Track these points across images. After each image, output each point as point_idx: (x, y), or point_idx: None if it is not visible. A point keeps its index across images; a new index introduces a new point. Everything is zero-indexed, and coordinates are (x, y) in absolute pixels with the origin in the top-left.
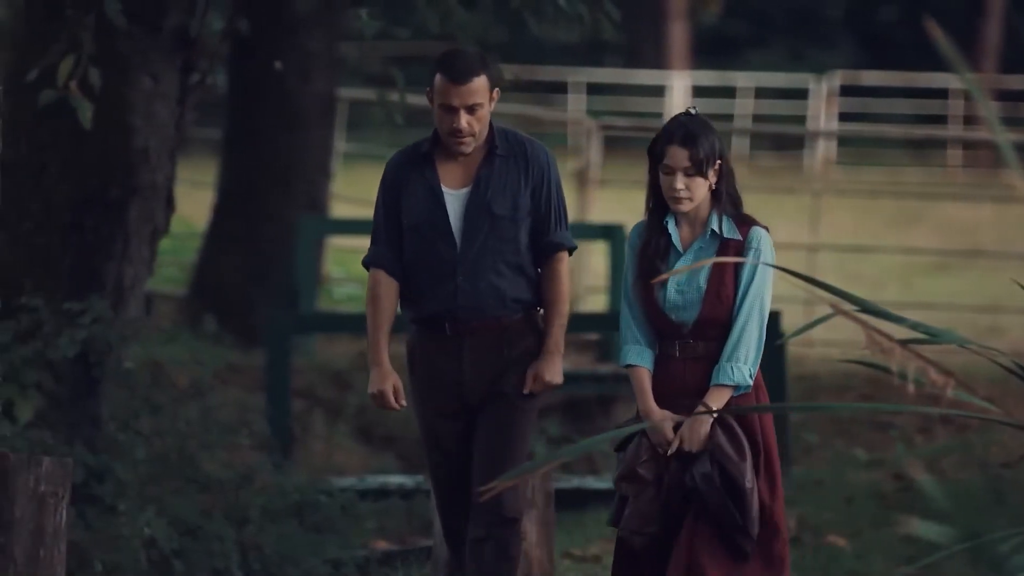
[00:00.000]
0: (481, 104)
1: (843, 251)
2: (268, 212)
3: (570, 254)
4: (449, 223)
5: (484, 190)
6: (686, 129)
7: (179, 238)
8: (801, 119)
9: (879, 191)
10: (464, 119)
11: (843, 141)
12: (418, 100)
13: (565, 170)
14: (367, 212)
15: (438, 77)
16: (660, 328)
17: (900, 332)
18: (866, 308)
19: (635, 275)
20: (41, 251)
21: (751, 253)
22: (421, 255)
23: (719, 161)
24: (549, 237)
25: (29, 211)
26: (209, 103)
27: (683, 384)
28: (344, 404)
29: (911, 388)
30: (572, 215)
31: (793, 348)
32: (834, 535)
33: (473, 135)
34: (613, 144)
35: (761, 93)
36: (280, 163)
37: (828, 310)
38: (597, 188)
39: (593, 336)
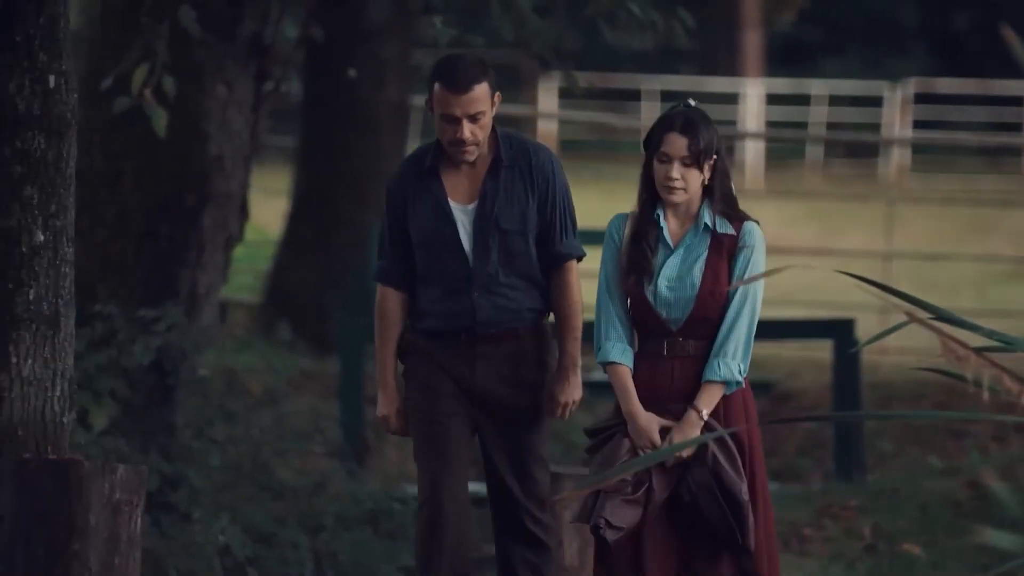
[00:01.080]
0: (483, 112)
1: (918, 259)
2: (342, 219)
3: (578, 261)
4: (460, 239)
5: (491, 205)
6: (686, 118)
7: (253, 246)
8: (875, 127)
9: (954, 199)
10: (467, 129)
11: (917, 149)
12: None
13: (638, 178)
14: None
15: (437, 86)
16: (647, 325)
17: (975, 340)
18: (941, 316)
19: (624, 268)
20: (116, 259)
21: (744, 248)
22: (433, 271)
23: (715, 157)
24: (556, 247)
25: (104, 219)
26: (283, 111)
27: (671, 384)
28: None
29: (986, 396)
30: None
31: (868, 356)
32: (909, 543)
33: (477, 144)
34: None
35: (835, 100)
36: (354, 170)
37: (903, 318)
38: None
39: None
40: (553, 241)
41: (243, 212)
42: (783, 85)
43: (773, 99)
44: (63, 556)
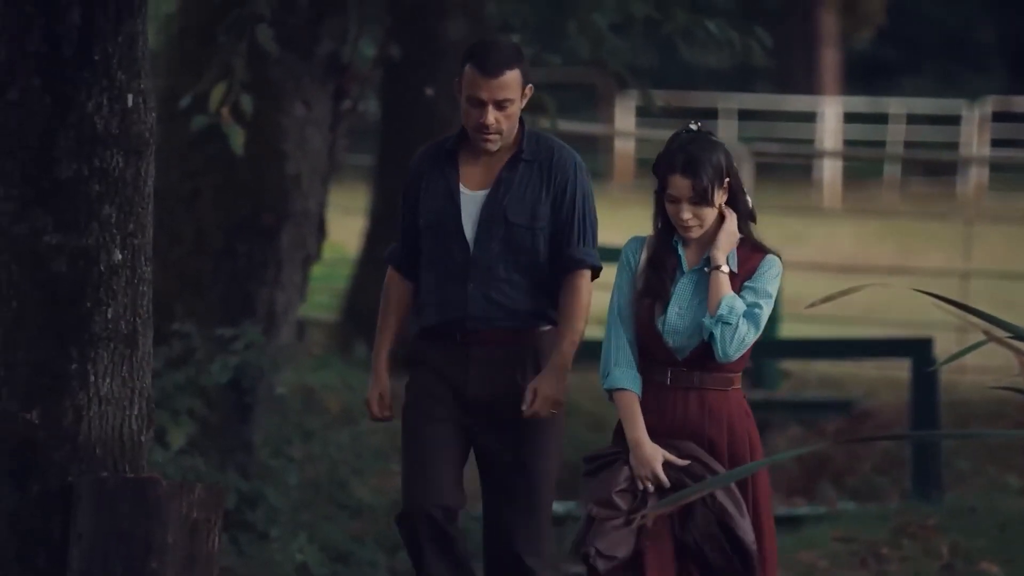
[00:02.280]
0: (512, 100)
1: (996, 277)
2: None
3: (595, 275)
4: (461, 224)
5: (502, 195)
6: (687, 155)
7: (331, 264)
8: (953, 145)
9: None
10: (492, 115)
11: (995, 167)
12: (570, 127)
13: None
14: None
15: (468, 68)
16: (652, 352)
17: None
18: (1019, 335)
19: (639, 292)
20: (193, 277)
21: (755, 274)
22: (435, 256)
23: (727, 179)
24: (570, 251)
25: (181, 237)
26: (360, 129)
27: (674, 418)
28: None
29: None
30: None
31: (945, 375)
32: (987, 562)
33: (500, 133)
34: (764, 170)
35: (913, 119)
36: None
37: (980, 337)
38: None
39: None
40: (567, 244)
41: (321, 231)
42: (861, 104)
43: (851, 117)
44: (140, 575)
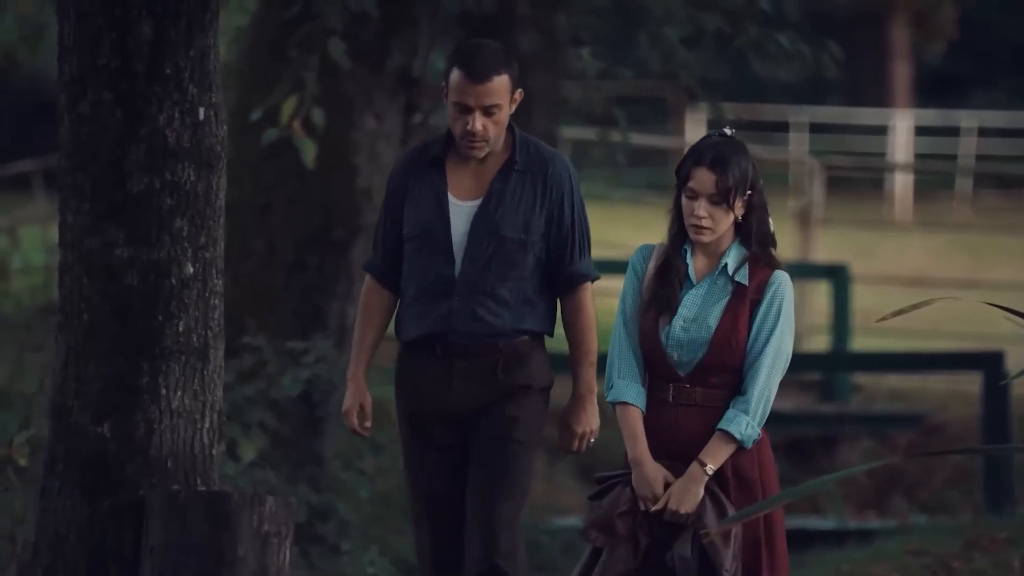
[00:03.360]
0: (500, 106)
1: None
2: None
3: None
4: (450, 237)
5: (494, 207)
6: (717, 151)
7: None
8: None
9: None
10: (479, 121)
11: None
12: (640, 140)
13: (787, 209)
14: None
15: (454, 72)
16: (654, 366)
17: None
18: None
19: (646, 302)
20: (265, 290)
21: (768, 299)
22: (417, 269)
23: (749, 192)
24: (572, 267)
25: (253, 250)
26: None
27: (675, 435)
28: None
29: None
30: (795, 254)
31: (1017, 388)
32: None
33: (488, 140)
34: (836, 183)
35: (984, 132)
36: None
37: None
38: (820, 228)
39: (815, 376)
40: (568, 260)
41: None
42: (932, 117)
43: (922, 131)
44: None
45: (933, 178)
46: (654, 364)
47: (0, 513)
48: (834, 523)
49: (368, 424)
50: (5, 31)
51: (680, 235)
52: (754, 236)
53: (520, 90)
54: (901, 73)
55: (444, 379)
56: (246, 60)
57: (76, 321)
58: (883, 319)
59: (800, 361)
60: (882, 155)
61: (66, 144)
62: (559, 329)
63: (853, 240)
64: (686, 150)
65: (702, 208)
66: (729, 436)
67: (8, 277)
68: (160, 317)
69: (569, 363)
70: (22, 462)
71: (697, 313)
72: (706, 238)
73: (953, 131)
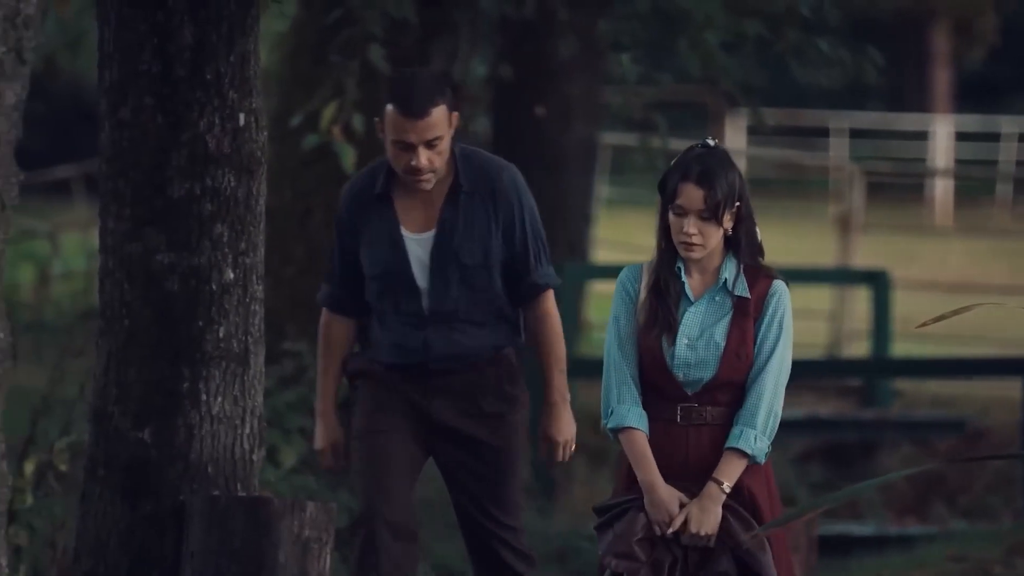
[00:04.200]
0: (441, 137)
1: None
2: None
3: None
4: (412, 273)
5: (449, 236)
6: (703, 165)
7: None
8: None
9: None
10: (424, 156)
11: None
12: (680, 145)
13: (827, 215)
14: (631, 257)
15: (390, 109)
16: (659, 387)
17: None
18: None
19: (644, 323)
20: (305, 296)
21: (770, 310)
22: (386, 305)
23: (738, 203)
24: (531, 278)
25: (293, 256)
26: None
27: (685, 457)
28: (606, 449)
29: None
30: (835, 260)
31: None
32: None
33: (434, 171)
34: (876, 189)
35: None
36: (541, 208)
37: None
38: (860, 233)
39: (855, 382)
40: (526, 271)
41: None
42: (973, 122)
43: (962, 136)
44: None
45: (973, 184)
46: (659, 385)
47: (41, 518)
48: (875, 529)
49: (344, 463)
50: (46, 37)
51: (670, 251)
52: (745, 247)
53: (456, 113)
54: (942, 79)
55: (423, 395)
56: (286, 66)
57: (117, 326)
58: (924, 325)
59: (841, 367)
60: (922, 161)
61: (107, 150)
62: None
63: (893, 246)
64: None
65: (691, 225)
66: (741, 453)
67: (49, 282)
68: (201, 323)
69: (540, 371)
70: (63, 467)
71: (701, 331)
72: (697, 255)
73: (994, 137)
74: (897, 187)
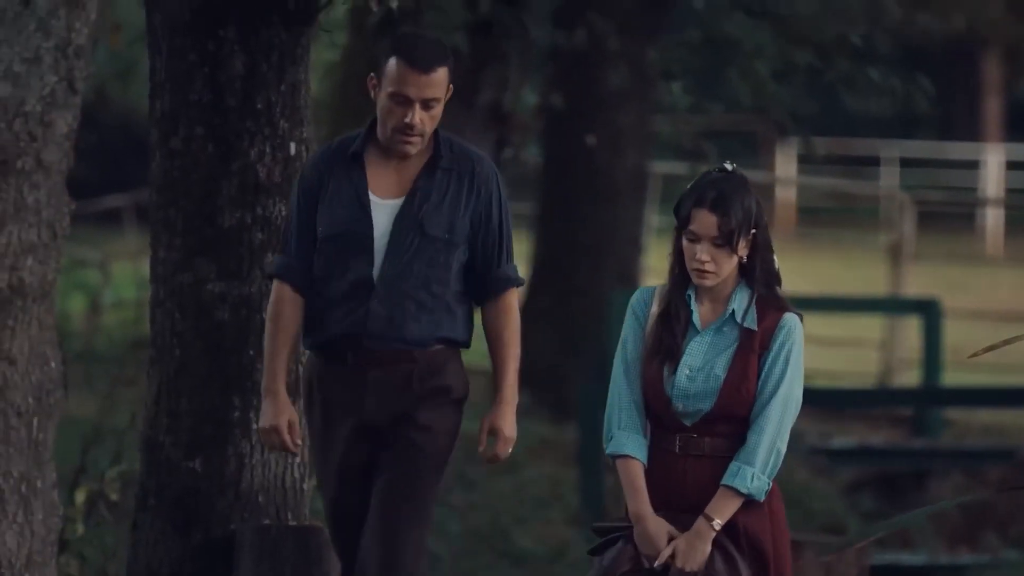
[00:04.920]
0: (438, 100)
1: None
2: (580, 286)
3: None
4: (372, 236)
5: (419, 204)
6: (718, 190)
7: None
8: None
9: None
10: (419, 114)
11: None
12: None
13: (877, 244)
14: None
15: (394, 62)
16: (659, 416)
17: None
18: None
19: (650, 350)
20: None
21: (776, 344)
22: (333, 270)
23: (754, 231)
24: (499, 271)
25: None
26: (522, 177)
27: (683, 488)
28: None
29: None
30: (885, 289)
31: None
32: None
33: (423, 135)
34: (926, 218)
35: None
36: (592, 237)
37: None
38: (911, 262)
39: (906, 411)
40: (495, 263)
41: None
42: None
43: (1014, 165)
44: None
45: None
46: (659, 414)
47: (92, 548)
48: (925, 558)
49: (299, 441)
50: (97, 66)
51: (682, 278)
52: (760, 277)
53: (451, 85)
54: (993, 107)
55: (357, 390)
56: (337, 95)
57: (168, 356)
58: (975, 354)
59: (891, 396)
60: (973, 190)
61: (157, 179)
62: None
63: (944, 275)
64: (777, 185)
65: (704, 252)
66: (735, 491)
67: (100, 312)
68: (251, 352)
69: (493, 368)
70: (114, 497)
71: (704, 362)
72: (709, 282)
73: None
74: (948, 216)
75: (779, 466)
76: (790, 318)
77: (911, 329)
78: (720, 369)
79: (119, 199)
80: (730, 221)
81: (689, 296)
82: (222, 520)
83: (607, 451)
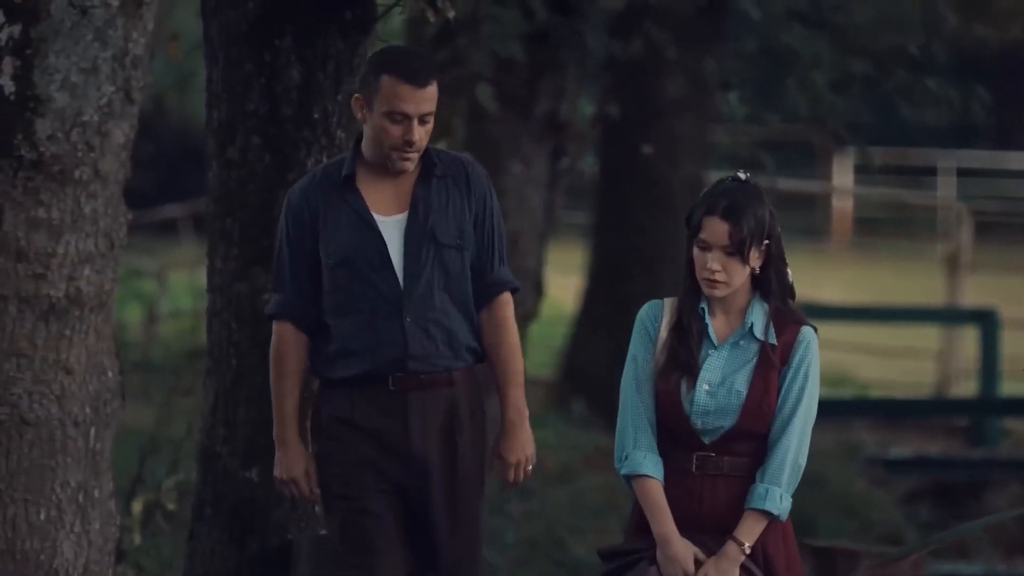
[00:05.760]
0: (432, 114)
1: None
2: (636, 296)
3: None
4: (388, 252)
5: (424, 215)
6: (730, 199)
7: (548, 322)
8: None
9: None
10: (417, 131)
11: None
12: (788, 185)
13: (934, 254)
14: None
15: (387, 80)
16: (675, 434)
17: None
18: None
19: (663, 365)
20: None
21: (796, 359)
22: (354, 297)
23: (767, 241)
24: (494, 274)
25: None
26: (578, 187)
27: (700, 508)
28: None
29: None
30: (943, 299)
31: None
32: None
33: (420, 151)
34: (984, 229)
35: None
36: (648, 247)
37: None
38: (968, 272)
39: (963, 421)
40: (490, 267)
41: (538, 289)
42: None
43: None
44: None
45: None
46: (675, 432)
47: (149, 558)
48: (983, 569)
49: (316, 489)
50: (154, 77)
51: (694, 290)
52: (774, 290)
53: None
54: None
55: (399, 418)
56: None
57: (224, 366)
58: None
59: (949, 406)
60: None
61: (214, 189)
62: None
63: (1002, 285)
64: (834, 195)
65: (715, 261)
66: (765, 513)
67: (156, 322)
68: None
69: (495, 383)
70: (170, 507)
71: (723, 377)
72: (720, 292)
73: None
74: (1005, 226)
75: (798, 481)
76: (807, 332)
77: (968, 339)
78: (741, 385)
79: (176, 209)
80: (742, 229)
81: (703, 309)
82: (279, 530)
83: (622, 471)
